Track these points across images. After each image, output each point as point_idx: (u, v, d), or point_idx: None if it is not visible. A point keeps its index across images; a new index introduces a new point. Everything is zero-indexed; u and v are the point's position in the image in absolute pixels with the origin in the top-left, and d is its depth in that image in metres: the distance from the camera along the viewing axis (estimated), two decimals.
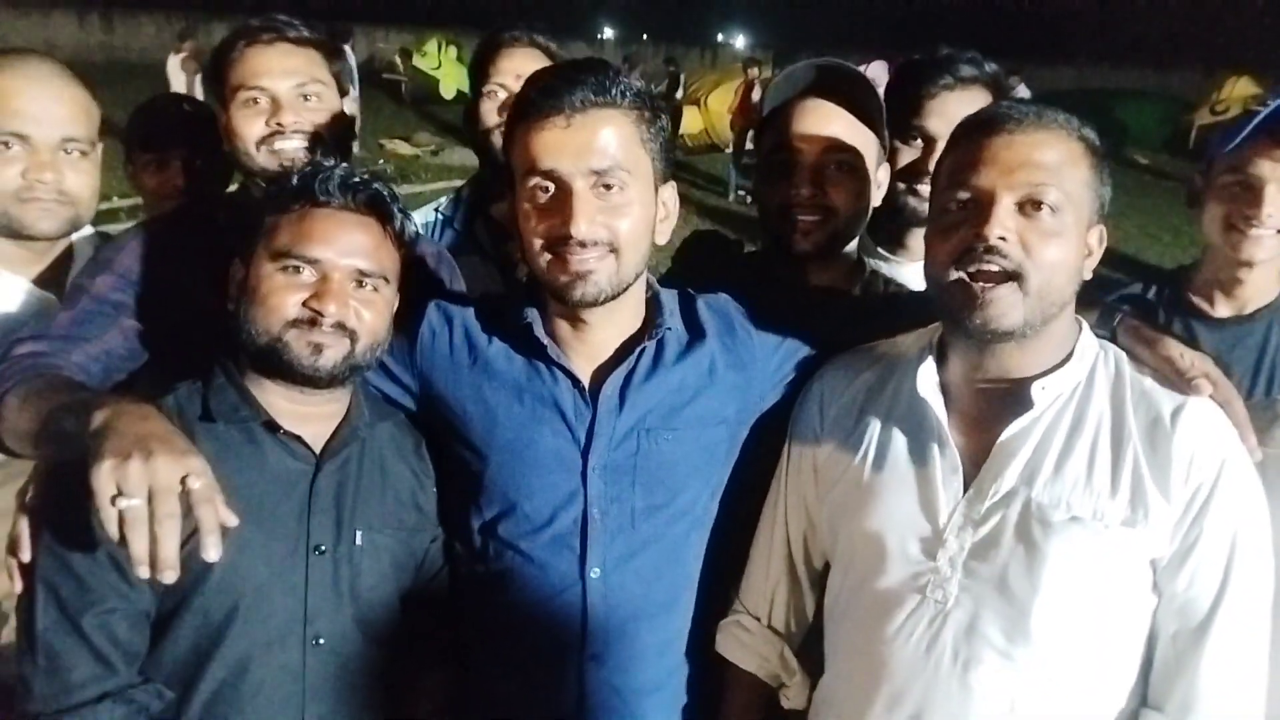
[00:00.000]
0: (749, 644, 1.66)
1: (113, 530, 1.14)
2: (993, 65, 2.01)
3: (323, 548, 1.45)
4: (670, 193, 1.52)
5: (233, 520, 1.21)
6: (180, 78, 12.13)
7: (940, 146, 1.86)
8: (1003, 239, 1.28)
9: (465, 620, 1.61)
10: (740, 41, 38.47)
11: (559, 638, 1.54)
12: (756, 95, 11.66)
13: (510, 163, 1.48)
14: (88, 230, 1.89)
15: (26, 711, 1.30)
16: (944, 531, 1.37)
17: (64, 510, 1.28)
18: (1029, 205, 1.30)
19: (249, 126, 1.74)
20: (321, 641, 1.44)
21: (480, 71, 2.15)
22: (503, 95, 2.07)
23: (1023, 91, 15.21)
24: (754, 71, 13.57)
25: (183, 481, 1.17)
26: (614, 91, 1.41)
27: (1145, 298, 1.88)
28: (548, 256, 1.42)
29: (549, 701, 1.57)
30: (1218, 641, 1.31)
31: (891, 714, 1.38)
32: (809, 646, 1.63)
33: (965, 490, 1.38)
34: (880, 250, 2.11)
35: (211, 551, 1.17)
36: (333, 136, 1.79)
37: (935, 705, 1.35)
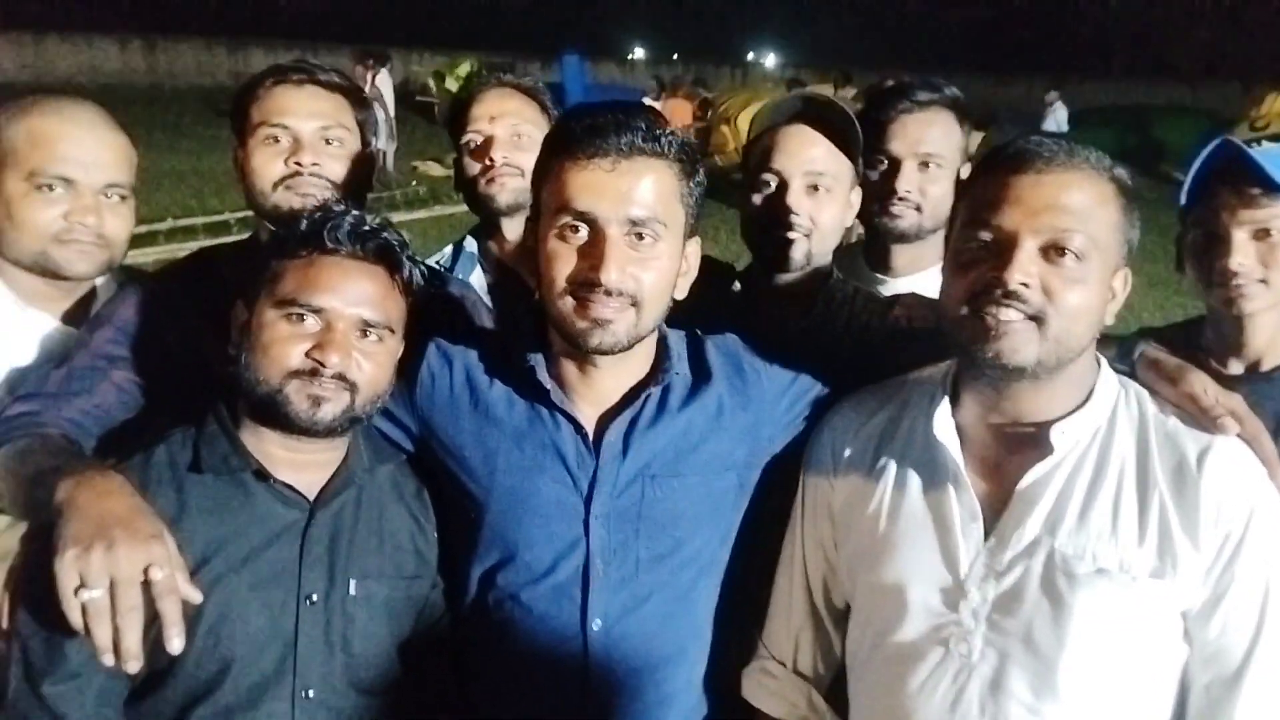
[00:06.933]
0: (776, 690, 1.61)
1: (76, 621, 1.14)
2: (952, 89, 2.09)
3: (314, 597, 1.42)
4: (694, 247, 1.49)
5: (197, 597, 1.21)
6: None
7: (906, 167, 2.02)
8: (1024, 284, 1.23)
9: (467, 668, 1.57)
10: (770, 61, 38.50)
11: (560, 692, 1.49)
12: None
13: (539, 195, 1.44)
14: None
15: None
16: (965, 582, 1.33)
17: (40, 573, 1.25)
18: (1053, 250, 1.24)
19: (267, 165, 1.74)
20: (311, 694, 1.40)
21: (456, 125, 2.05)
22: (479, 140, 1.99)
23: (1059, 109, 15.08)
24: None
25: (145, 570, 1.16)
26: (662, 141, 1.37)
27: None
28: (569, 300, 1.38)
29: None
30: (1252, 690, 1.26)
31: None
32: (840, 686, 1.57)
33: (986, 538, 1.33)
34: (873, 274, 2.16)
35: (175, 643, 1.16)
36: (351, 183, 1.78)
37: None
